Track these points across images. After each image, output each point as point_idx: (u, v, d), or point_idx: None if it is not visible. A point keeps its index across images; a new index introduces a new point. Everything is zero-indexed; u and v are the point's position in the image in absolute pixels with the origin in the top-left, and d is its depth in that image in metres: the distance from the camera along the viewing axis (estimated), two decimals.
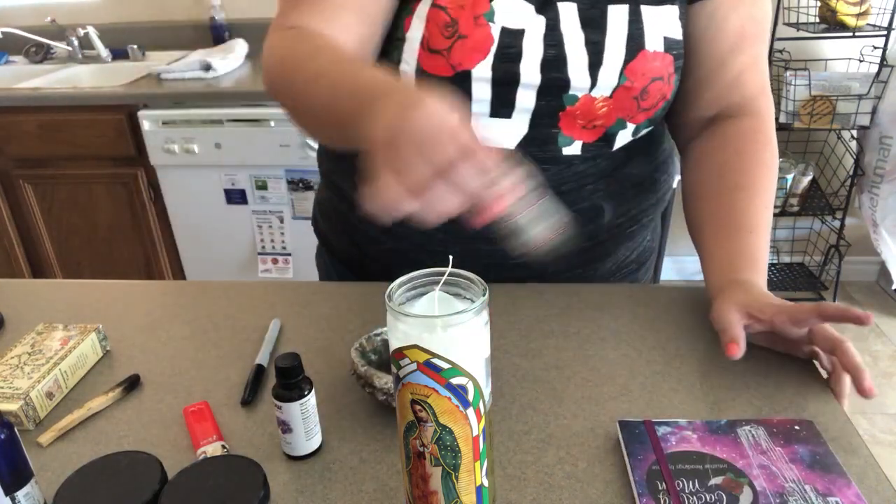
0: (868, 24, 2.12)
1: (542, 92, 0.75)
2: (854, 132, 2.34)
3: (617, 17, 0.73)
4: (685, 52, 0.78)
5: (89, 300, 0.90)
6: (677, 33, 0.75)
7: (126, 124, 2.02)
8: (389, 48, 0.77)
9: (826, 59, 2.31)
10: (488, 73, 0.73)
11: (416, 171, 0.46)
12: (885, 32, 2.09)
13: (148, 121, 1.99)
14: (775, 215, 2.37)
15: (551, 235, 0.52)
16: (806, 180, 2.30)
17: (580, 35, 0.74)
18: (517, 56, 0.73)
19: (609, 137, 0.79)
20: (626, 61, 0.73)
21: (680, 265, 2.68)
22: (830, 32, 2.13)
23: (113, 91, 2.01)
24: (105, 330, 0.79)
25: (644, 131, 0.81)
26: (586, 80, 0.74)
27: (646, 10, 0.74)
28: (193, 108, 1.98)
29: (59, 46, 2.46)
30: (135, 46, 2.44)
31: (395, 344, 0.44)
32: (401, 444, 0.48)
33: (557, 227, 0.52)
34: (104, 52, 2.42)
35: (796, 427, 0.61)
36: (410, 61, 0.75)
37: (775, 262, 2.64)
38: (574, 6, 0.73)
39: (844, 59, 2.30)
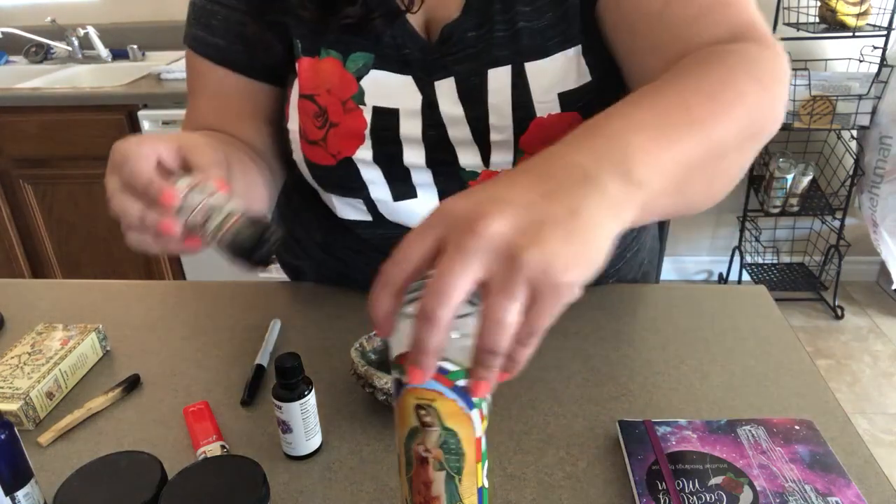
0: (868, 24, 2.12)
1: (437, 172, 0.70)
2: (854, 132, 2.34)
3: (498, 84, 0.64)
4: (623, 65, 0.63)
5: (89, 300, 0.90)
6: (579, 79, 0.64)
7: (126, 124, 2.02)
8: (283, 137, 0.75)
9: (826, 59, 2.31)
10: (370, 157, 0.69)
11: (109, 189, 0.51)
12: (885, 32, 2.09)
13: (148, 121, 1.99)
14: (775, 215, 2.38)
15: (232, 223, 0.52)
16: (806, 180, 2.30)
17: (460, 111, 0.66)
18: (394, 139, 0.68)
19: None
20: (517, 134, 0.65)
21: (680, 265, 2.68)
22: (830, 32, 2.13)
23: (113, 91, 2.01)
24: (105, 330, 0.79)
25: None
26: (477, 159, 0.68)
27: (531, 68, 0.64)
28: None
29: (59, 46, 2.46)
30: (135, 46, 2.44)
31: (398, 349, 0.44)
32: (401, 452, 0.48)
33: (236, 216, 0.52)
34: (104, 52, 2.42)
35: (796, 427, 0.61)
36: (298, 152, 0.72)
37: (776, 262, 2.65)
38: (452, 80, 0.66)
39: (844, 59, 2.30)
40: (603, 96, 0.62)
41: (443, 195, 0.72)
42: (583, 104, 0.65)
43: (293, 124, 0.71)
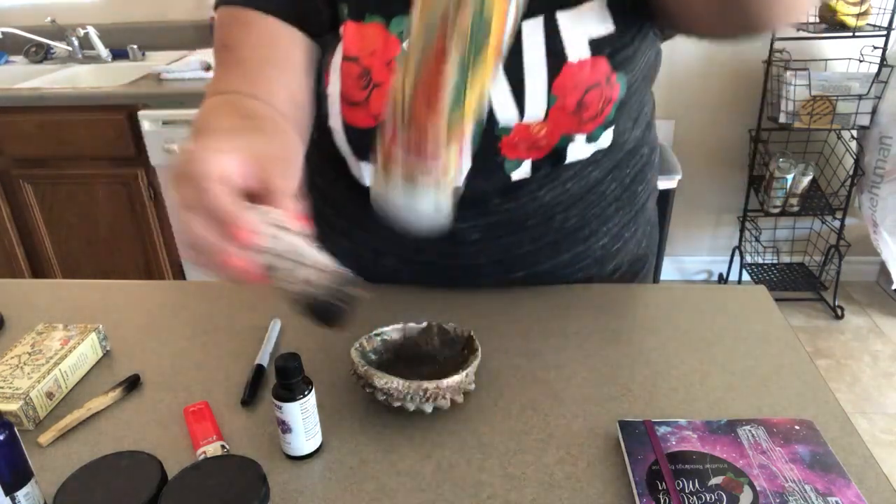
0: (868, 24, 2.12)
1: (472, 130, 0.73)
2: (854, 132, 2.34)
3: (532, 34, 0.68)
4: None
5: (89, 300, 0.90)
6: (606, 28, 0.69)
7: (126, 124, 2.02)
8: (319, 103, 0.75)
9: (826, 59, 2.31)
10: None
11: (180, 205, 0.46)
12: (885, 32, 2.09)
13: (148, 121, 1.99)
14: (775, 215, 2.38)
15: (314, 279, 0.47)
16: (806, 180, 2.30)
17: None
18: None
19: (559, 152, 0.75)
20: (551, 80, 0.69)
21: (680, 265, 2.68)
22: (830, 32, 2.13)
23: (113, 91, 2.01)
24: (105, 330, 0.79)
25: (604, 134, 0.76)
26: (513, 111, 0.70)
27: (562, 17, 0.68)
28: (193, 108, 1.97)
29: (59, 46, 2.46)
30: (135, 46, 2.44)
31: None
32: (418, 17, 0.44)
33: (318, 271, 0.47)
34: (104, 52, 2.42)
35: (796, 427, 0.61)
36: (336, 117, 0.73)
37: (776, 262, 2.65)
38: None
39: (844, 59, 2.30)
40: (625, 44, 0.70)
41: (475, 156, 0.73)
42: (610, 51, 0.69)
43: (333, 88, 0.72)
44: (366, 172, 0.77)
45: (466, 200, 0.76)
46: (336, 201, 0.85)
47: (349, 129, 0.73)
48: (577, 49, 0.69)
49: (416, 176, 0.47)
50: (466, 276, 0.84)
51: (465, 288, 0.85)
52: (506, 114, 0.71)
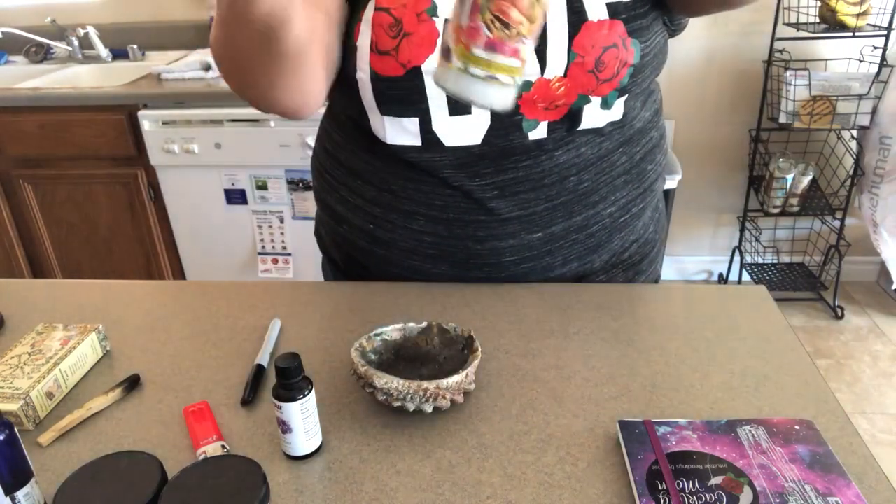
0: (868, 24, 2.12)
1: None
2: (854, 132, 2.34)
3: None
4: None
5: (89, 300, 0.90)
6: None
7: (126, 124, 2.02)
8: (345, 58, 0.78)
9: (826, 59, 2.31)
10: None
11: None
12: (885, 32, 2.09)
13: (148, 121, 1.99)
14: (775, 215, 2.38)
15: None
16: (806, 180, 2.30)
17: None
18: None
19: (574, 114, 0.78)
20: (571, 36, 0.74)
21: (680, 265, 2.68)
22: (830, 32, 2.13)
23: (113, 91, 2.01)
24: (105, 330, 0.79)
25: (617, 102, 0.80)
26: (535, 65, 0.74)
27: None
28: (193, 108, 1.98)
29: (59, 46, 2.46)
30: (135, 46, 2.44)
31: None
32: None
33: None
34: (104, 52, 2.43)
35: (796, 427, 0.61)
36: (364, 67, 0.76)
37: (776, 262, 2.65)
38: None
39: (844, 59, 2.30)
40: (639, 14, 0.76)
41: (493, 114, 0.77)
42: (625, 17, 0.75)
43: (363, 40, 0.75)
44: (388, 125, 0.79)
45: (484, 157, 0.79)
46: (361, 171, 0.86)
47: (376, 79, 0.75)
48: (595, 10, 0.74)
49: (492, 60, 0.47)
50: (489, 233, 0.84)
51: (488, 250, 0.85)
52: (528, 69, 0.73)
